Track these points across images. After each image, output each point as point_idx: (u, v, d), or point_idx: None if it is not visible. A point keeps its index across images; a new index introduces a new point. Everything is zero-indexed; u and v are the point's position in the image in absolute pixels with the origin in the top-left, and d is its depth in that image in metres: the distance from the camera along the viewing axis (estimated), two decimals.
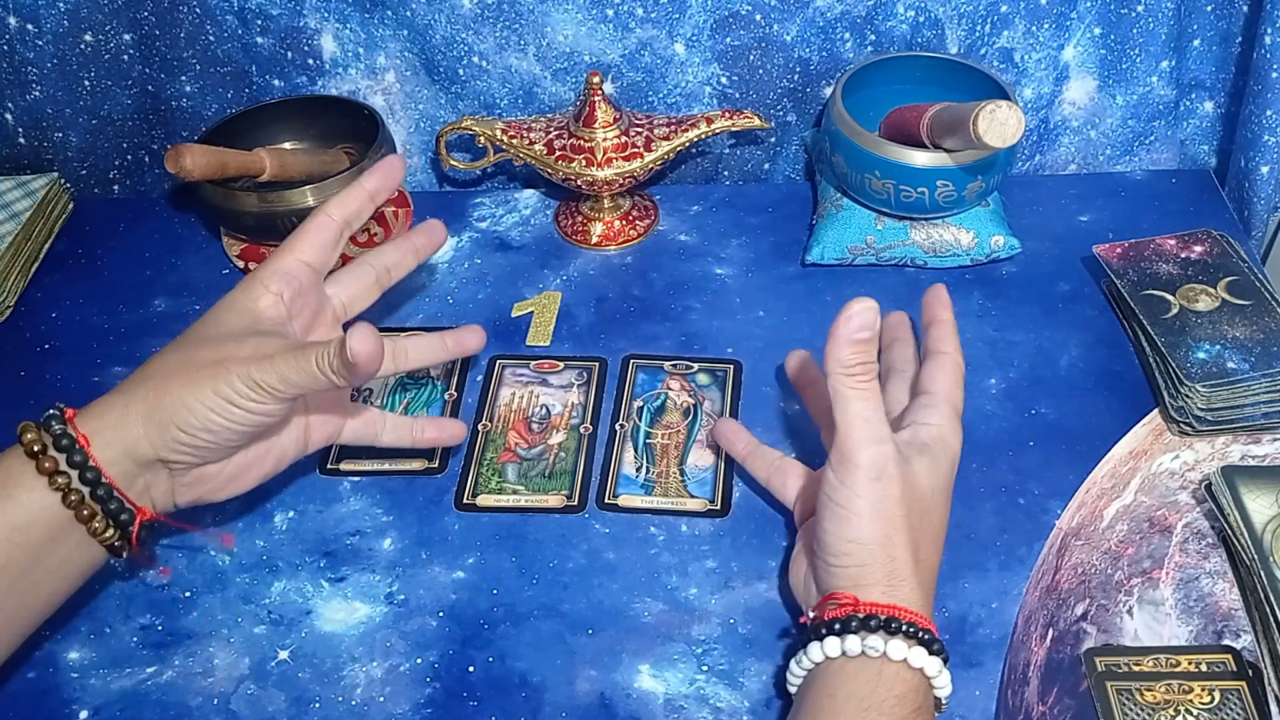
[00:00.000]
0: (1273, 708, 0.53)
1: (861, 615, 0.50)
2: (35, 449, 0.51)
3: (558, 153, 0.78)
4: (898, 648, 0.49)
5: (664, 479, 0.67)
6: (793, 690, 0.53)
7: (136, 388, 0.54)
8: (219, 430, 0.53)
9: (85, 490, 0.52)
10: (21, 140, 0.88)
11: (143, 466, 0.54)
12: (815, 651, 0.50)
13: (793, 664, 0.52)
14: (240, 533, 0.66)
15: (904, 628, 0.49)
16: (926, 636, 0.49)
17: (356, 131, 0.82)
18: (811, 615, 0.53)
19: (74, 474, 0.52)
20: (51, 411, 0.53)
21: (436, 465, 0.68)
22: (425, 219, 0.68)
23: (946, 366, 0.59)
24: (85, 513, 0.52)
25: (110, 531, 0.53)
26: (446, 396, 0.73)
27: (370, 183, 0.63)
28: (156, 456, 0.53)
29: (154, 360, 0.56)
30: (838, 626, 0.50)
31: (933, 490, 0.54)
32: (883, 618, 0.49)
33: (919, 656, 0.49)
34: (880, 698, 0.48)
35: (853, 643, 0.49)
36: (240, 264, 0.81)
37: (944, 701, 0.52)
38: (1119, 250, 0.74)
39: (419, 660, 0.59)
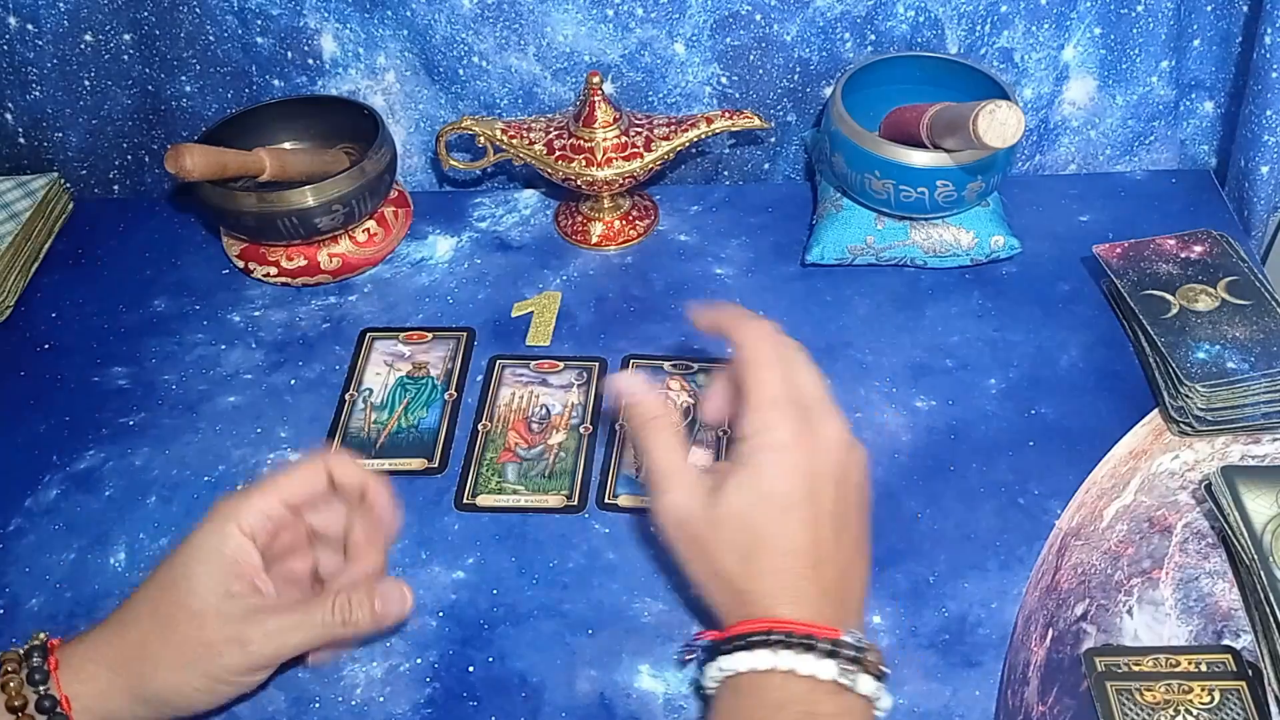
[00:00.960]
0: (1273, 708, 0.53)
1: (714, 643, 0.52)
2: (17, 704, 0.50)
3: (558, 153, 0.78)
4: (742, 660, 0.49)
5: None
6: None
7: (119, 655, 0.52)
8: (214, 703, 0.54)
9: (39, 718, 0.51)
10: (21, 140, 0.88)
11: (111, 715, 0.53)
12: (706, 689, 0.52)
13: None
14: None
15: (744, 640, 0.50)
16: (775, 637, 0.49)
17: (356, 131, 0.82)
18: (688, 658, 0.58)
19: (39, 717, 0.50)
20: (35, 660, 0.51)
21: (436, 465, 0.68)
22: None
23: (749, 363, 0.55)
24: None
25: None
26: (446, 396, 0.73)
27: (379, 499, 0.58)
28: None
29: (129, 621, 0.53)
30: (703, 665, 0.52)
31: (741, 514, 0.52)
32: (729, 639, 0.51)
33: (743, 660, 0.49)
34: (741, 706, 0.49)
35: (712, 672, 0.51)
36: (240, 264, 0.81)
37: (843, 680, 0.49)
38: (1119, 250, 0.74)
39: (419, 660, 0.59)
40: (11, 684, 0.50)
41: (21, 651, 0.52)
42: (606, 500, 0.66)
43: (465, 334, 0.77)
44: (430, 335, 0.77)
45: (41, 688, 0.50)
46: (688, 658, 0.58)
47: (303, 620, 0.53)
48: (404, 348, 0.76)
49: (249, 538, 0.54)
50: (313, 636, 0.54)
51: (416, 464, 0.69)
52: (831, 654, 0.49)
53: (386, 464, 0.69)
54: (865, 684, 0.49)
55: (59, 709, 0.50)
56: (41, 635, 0.53)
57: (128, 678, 0.51)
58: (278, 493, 0.55)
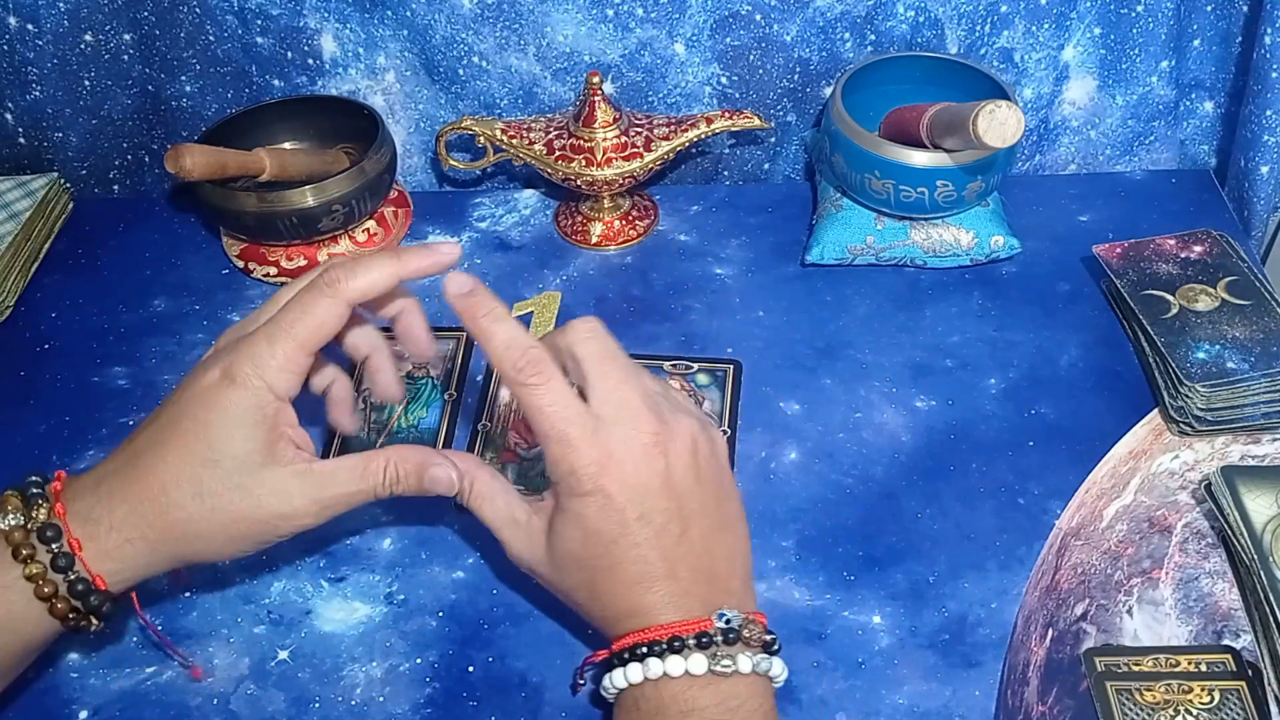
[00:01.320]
0: (1272, 708, 0.53)
1: (594, 664, 0.52)
2: (47, 593, 0.48)
3: (558, 153, 0.78)
4: (621, 676, 0.49)
5: None
6: None
7: (162, 535, 0.49)
8: (250, 553, 0.52)
9: (88, 612, 0.49)
10: (21, 140, 0.88)
11: (148, 577, 0.51)
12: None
13: None
14: None
15: (628, 654, 0.49)
16: (643, 650, 0.49)
17: (356, 131, 0.82)
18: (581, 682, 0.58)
19: (81, 604, 0.49)
20: (53, 545, 0.48)
21: None
22: (427, 241, 0.64)
23: (520, 399, 0.52)
24: (75, 622, 0.49)
25: (88, 621, 0.50)
26: (446, 397, 0.73)
27: (409, 266, 0.53)
28: (168, 573, 0.52)
29: (170, 502, 0.49)
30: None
31: (573, 556, 0.51)
32: (601, 660, 0.51)
33: (636, 672, 0.49)
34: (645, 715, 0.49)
35: (607, 688, 0.51)
36: (240, 264, 0.81)
37: (734, 667, 0.48)
38: (1119, 250, 0.74)
39: (419, 660, 0.59)
40: (35, 572, 0.47)
41: (30, 526, 0.48)
42: None
43: (465, 334, 0.77)
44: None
45: (70, 573, 0.48)
46: (579, 683, 0.57)
47: (355, 488, 0.51)
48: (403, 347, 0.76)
49: (284, 400, 0.50)
50: (360, 500, 0.52)
51: None
52: (702, 645, 0.48)
53: None
54: (745, 663, 0.49)
55: (95, 587, 0.48)
56: (44, 508, 0.49)
57: (170, 549, 0.50)
58: (304, 343, 0.50)
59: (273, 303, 0.54)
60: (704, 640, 0.49)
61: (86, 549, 0.48)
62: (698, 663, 0.48)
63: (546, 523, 0.53)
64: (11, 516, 0.49)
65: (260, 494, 0.50)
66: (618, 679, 0.50)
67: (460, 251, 0.55)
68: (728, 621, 0.49)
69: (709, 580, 0.51)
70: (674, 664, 0.48)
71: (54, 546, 0.48)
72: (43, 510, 0.49)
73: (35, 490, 0.50)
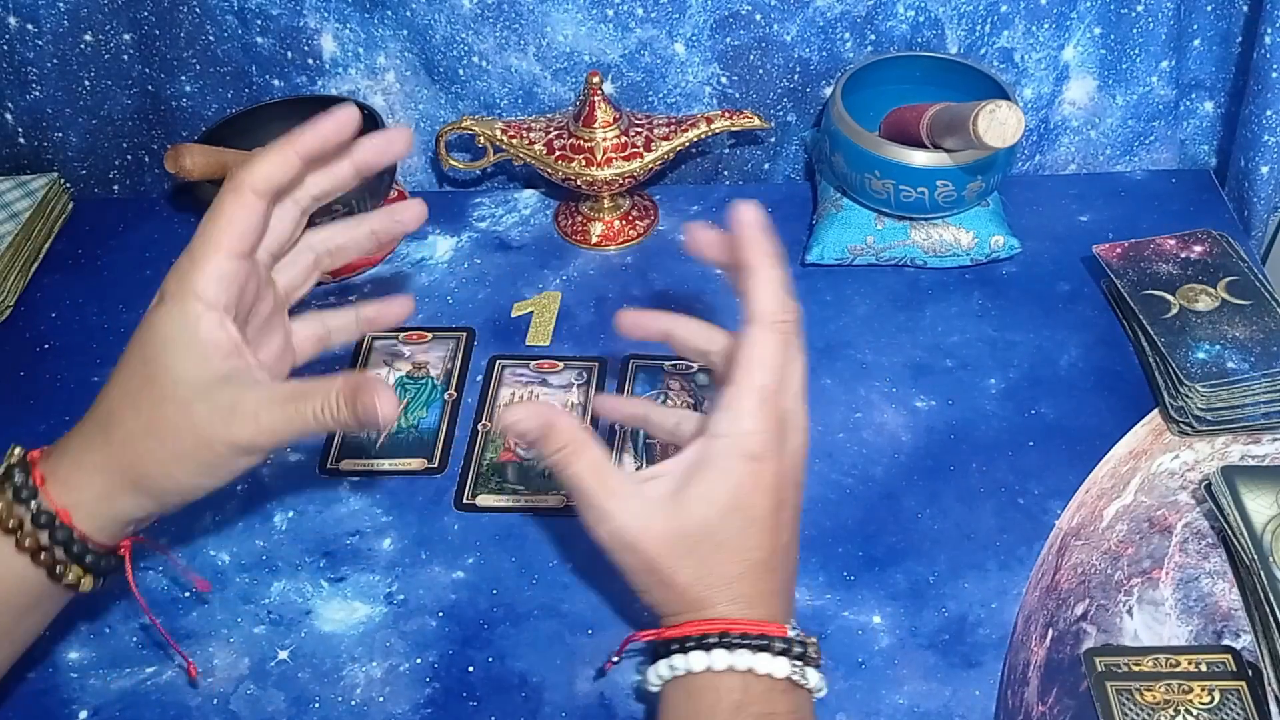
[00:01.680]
0: (1273, 708, 0.53)
1: (661, 642, 0.50)
2: (11, 526, 0.48)
3: (558, 153, 0.78)
4: (697, 659, 0.48)
5: None
6: None
7: (107, 458, 0.49)
8: (211, 487, 0.51)
9: (70, 560, 0.49)
10: (21, 140, 0.88)
11: (129, 522, 0.51)
12: (650, 689, 0.51)
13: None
14: (240, 533, 0.66)
15: (698, 641, 0.48)
16: (727, 638, 0.48)
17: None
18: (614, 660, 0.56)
19: (58, 550, 0.48)
20: (17, 478, 0.49)
21: (436, 465, 0.68)
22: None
23: (750, 349, 0.50)
24: (70, 578, 0.49)
25: (89, 578, 0.50)
26: (446, 397, 0.73)
27: (303, 142, 0.51)
28: (146, 515, 0.51)
29: (111, 422, 0.50)
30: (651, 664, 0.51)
31: (703, 522, 0.49)
32: (678, 639, 0.49)
33: (720, 659, 0.48)
34: (695, 710, 0.48)
35: (663, 670, 0.50)
36: None
37: (795, 676, 0.48)
38: (1119, 250, 0.74)
39: (419, 660, 0.59)
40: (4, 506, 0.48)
41: (9, 491, 0.48)
42: None
43: (465, 334, 0.77)
44: (430, 335, 0.77)
45: (33, 503, 0.48)
46: (614, 661, 0.56)
47: (292, 414, 0.49)
48: (404, 348, 0.76)
49: (215, 310, 0.49)
50: (301, 429, 0.49)
51: (416, 464, 0.69)
52: (784, 652, 0.48)
53: (386, 464, 0.69)
54: (812, 677, 0.49)
55: (59, 522, 0.48)
56: (16, 450, 0.50)
57: (122, 476, 0.49)
58: (224, 246, 0.49)
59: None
60: (787, 647, 0.49)
61: (49, 483, 0.49)
62: (782, 667, 0.48)
63: (671, 486, 0.50)
64: None
65: (195, 405, 0.48)
66: (693, 660, 0.48)
67: (353, 119, 0.52)
68: (801, 635, 0.50)
69: (788, 590, 0.52)
70: (763, 661, 0.48)
71: (17, 479, 0.48)
72: (14, 455, 0.49)
73: (9, 448, 0.50)
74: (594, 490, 0.50)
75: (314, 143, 0.51)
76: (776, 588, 0.51)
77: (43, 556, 0.48)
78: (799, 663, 0.49)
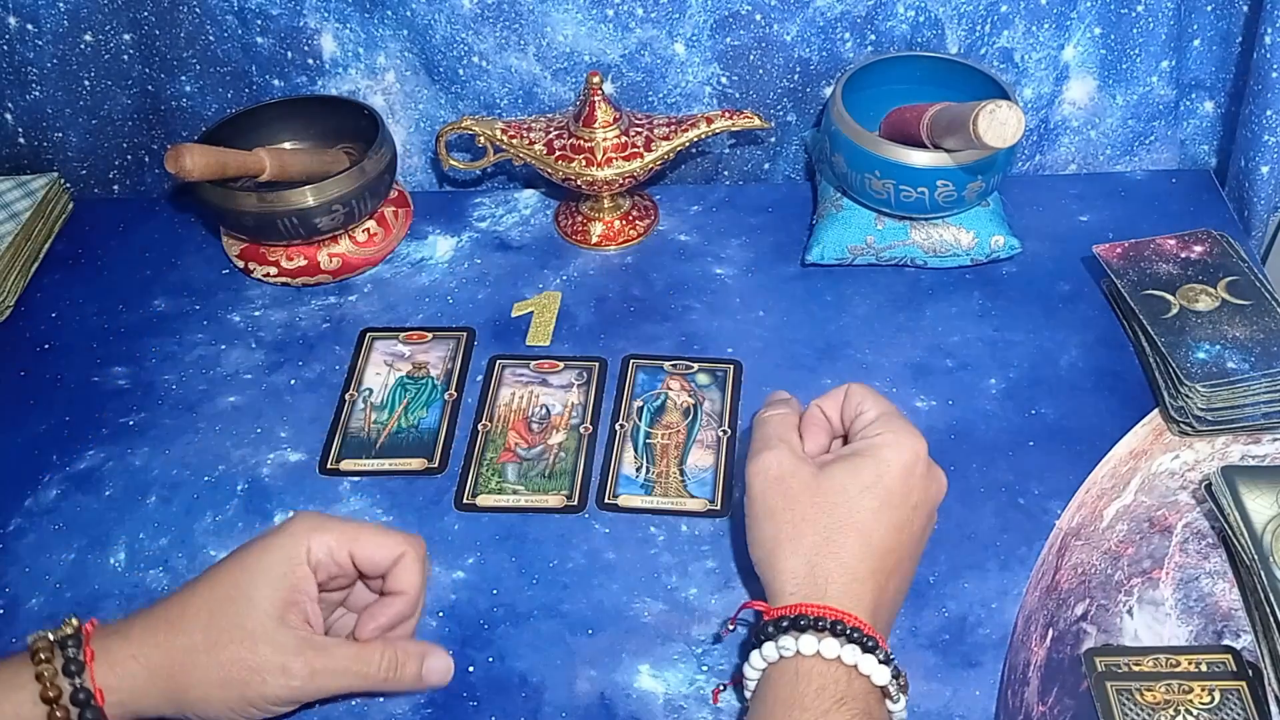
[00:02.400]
0: (1273, 708, 0.53)
1: (774, 620, 0.51)
2: (51, 696, 0.48)
3: (558, 153, 0.78)
4: (808, 643, 0.49)
5: (664, 479, 0.67)
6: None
7: (163, 660, 0.50)
8: (262, 715, 0.52)
9: (73, 711, 0.49)
10: (21, 140, 0.88)
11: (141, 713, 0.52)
12: (747, 669, 0.52)
13: (744, 678, 0.53)
14: (240, 533, 0.66)
15: (813, 623, 0.50)
16: (841, 628, 0.50)
17: (356, 131, 0.82)
18: (730, 628, 0.58)
19: (73, 709, 0.49)
20: (70, 650, 0.49)
21: (436, 465, 0.68)
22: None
23: (862, 390, 0.59)
24: None
25: None
26: (446, 396, 0.73)
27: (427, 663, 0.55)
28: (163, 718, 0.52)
29: (180, 626, 0.51)
30: (756, 639, 0.52)
31: (844, 489, 0.54)
32: (791, 617, 0.50)
33: (830, 647, 0.49)
34: (801, 693, 0.49)
35: (769, 650, 0.51)
36: (240, 264, 0.81)
37: (890, 689, 0.50)
38: (1119, 250, 0.74)
39: None
40: (46, 674, 0.48)
41: (54, 638, 0.50)
42: (606, 500, 0.66)
43: (465, 334, 0.77)
44: (430, 335, 0.77)
45: (77, 679, 0.49)
46: (730, 628, 0.57)
47: (351, 667, 0.52)
48: (404, 348, 0.76)
49: (313, 569, 0.53)
50: (356, 683, 0.53)
51: (416, 464, 0.69)
52: (885, 662, 0.50)
53: (386, 464, 0.69)
54: (901, 701, 0.51)
55: (93, 702, 0.49)
56: (74, 621, 0.51)
57: (167, 682, 0.50)
58: (354, 542, 0.54)
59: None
60: (888, 658, 0.50)
61: (98, 660, 0.49)
62: (883, 674, 0.50)
63: (822, 462, 0.56)
64: (45, 633, 0.50)
65: (260, 643, 0.50)
66: (767, 652, 0.50)
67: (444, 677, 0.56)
68: (890, 655, 0.51)
69: (890, 611, 0.54)
70: (869, 663, 0.49)
71: (70, 651, 0.49)
72: (70, 625, 0.51)
73: (70, 618, 0.51)
74: (774, 429, 0.57)
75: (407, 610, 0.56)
76: (884, 600, 0.53)
77: (57, 713, 0.49)
78: (896, 681, 0.50)
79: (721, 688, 0.57)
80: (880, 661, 0.50)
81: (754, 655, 0.51)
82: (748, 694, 0.53)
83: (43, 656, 0.49)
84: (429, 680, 0.55)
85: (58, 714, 0.48)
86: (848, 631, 0.50)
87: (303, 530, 0.53)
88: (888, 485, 0.54)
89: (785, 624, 0.50)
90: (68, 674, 0.49)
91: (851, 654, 0.49)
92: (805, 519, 0.53)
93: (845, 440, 0.59)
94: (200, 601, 0.51)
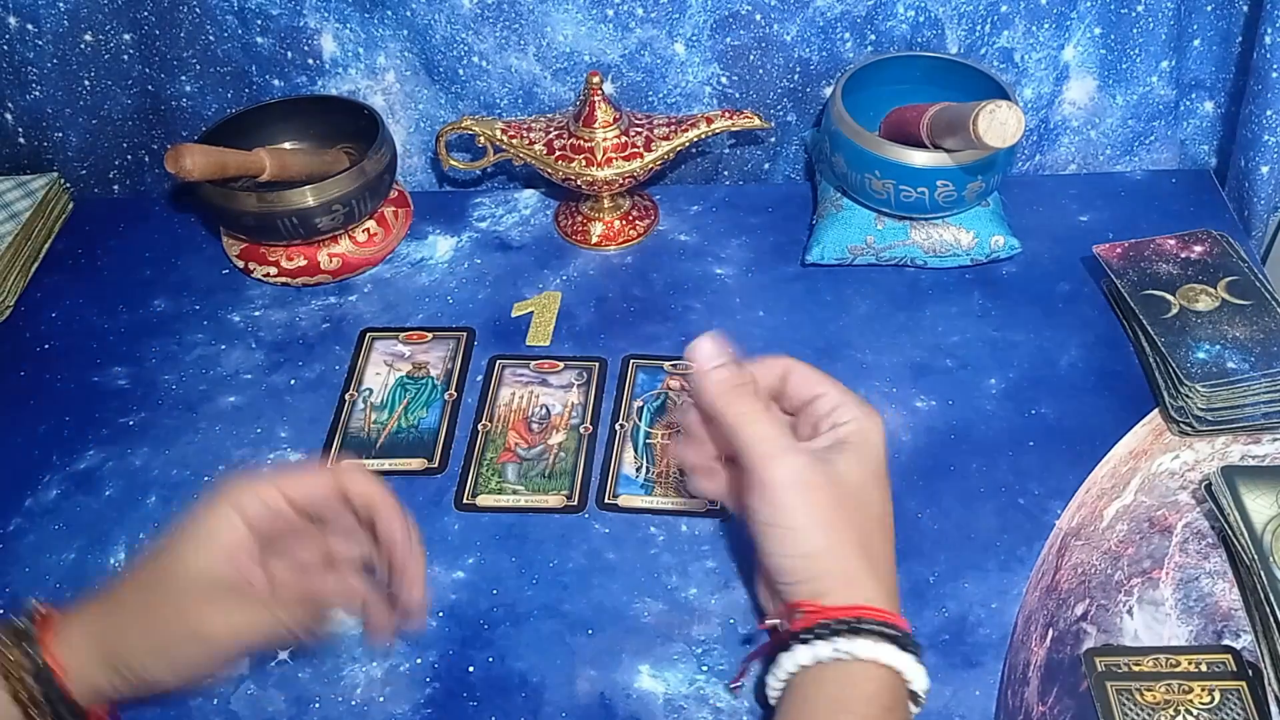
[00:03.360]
0: (1273, 708, 0.53)
1: (827, 621, 0.50)
2: (16, 675, 0.50)
3: (558, 153, 0.78)
4: (864, 647, 0.48)
5: (664, 479, 0.67)
6: (773, 701, 0.52)
7: (104, 630, 0.52)
8: (183, 685, 0.53)
9: (52, 715, 0.51)
10: (21, 140, 0.88)
11: (104, 697, 0.52)
12: (788, 662, 0.50)
13: (769, 677, 0.52)
14: None
15: (869, 626, 0.49)
16: (893, 632, 0.49)
17: (356, 131, 0.82)
18: (778, 624, 0.53)
19: (46, 705, 0.50)
20: (32, 631, 0.51)
21: (436, 465, 0.68)
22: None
23: (807, 369, 0.56)
24: (26, 702, 0.50)
25: None
26: (446, 397, 0.73)
27: (396, 520, 0.55)
28: (117, 694, 0.52)
29: (119, 597, 0.52)
30: (805, 636, 0.50)
31: (863, 482, 0.52)
32: (849, 620, 0.49)
33: (888, 654, 0.49)
34: (850, 698, 0.48)
35: (822, 649, 0.49)
36: (240, 264, 0.81)
37: (922, 697, 0.51)
38: (1119, 250, 0.74)
39: (419, 660, 0.59)
40: (11, 655, 0.50)
41: (21, 625, 0.51)
42: (606, 500, 0.66)
43: (465, 334, 0.77)
44: (430, 335, 0.77)
45: (39, 658, 0.50)
46: (772, 624, 0.54)
47: (264, 617, 0.52)
48: (404, 348, 0.76)
49: (251, 526, 0.53)
50: (269, 633, 0.52)
51: (416, 464, 0.69)
52: (911, 648, 0.50)
53: (386, 464, 0.69)
54: (915, 675, 0.50)
55: (54, 679, 0.50)
56: (35, 603, 0.52)
57: (107, 652, 0.51)
58: (282, 486, 0.54)
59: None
60: (903, 637, 0.49)
61: (55, 641, 0.51)
62: (924, 682, 0.50)
63: (820, 455, 0.53)
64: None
65: (189, 606, 0.51)
66: (820, 650, 0.49)
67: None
68: (941, 637, 0.51)
69: (887, 576, 0.52)
70: (886, 652, 0.49)
71: (31, 632, 0.51)
72: (36, 608, 0.52)
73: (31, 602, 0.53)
74: (762, 433, 0.52)
75: (399, 533, 0.54)
76: (890, 588, 0.52)
77: (34, 712, 0.50)
78: (912, 658, 0.50)
79: (737, 683, 0.56)
80: (915, 657, 0.49)
81: (800, 652, 0.50)
82: (775, 692, 0.52)
83: (5, 640, 0.50)
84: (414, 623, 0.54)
85: (21, 695, 0.50)
86: (899, 636, 0.49)
87: (231, 493, 0.53)
88: (881, 470, 0.54)
89: (840, 626, 0.49)
90: (27, 654, 0.50)
91: (906, 662, 0.49)
92: (846, 523, 0.51)
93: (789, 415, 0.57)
94: (140, 575, 0.52)
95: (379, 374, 0.74)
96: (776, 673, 0.51)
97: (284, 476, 0.54)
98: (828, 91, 0.84)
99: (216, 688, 0.58)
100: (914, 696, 0.50)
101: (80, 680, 0.51)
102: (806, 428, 0.55)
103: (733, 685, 0.57)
